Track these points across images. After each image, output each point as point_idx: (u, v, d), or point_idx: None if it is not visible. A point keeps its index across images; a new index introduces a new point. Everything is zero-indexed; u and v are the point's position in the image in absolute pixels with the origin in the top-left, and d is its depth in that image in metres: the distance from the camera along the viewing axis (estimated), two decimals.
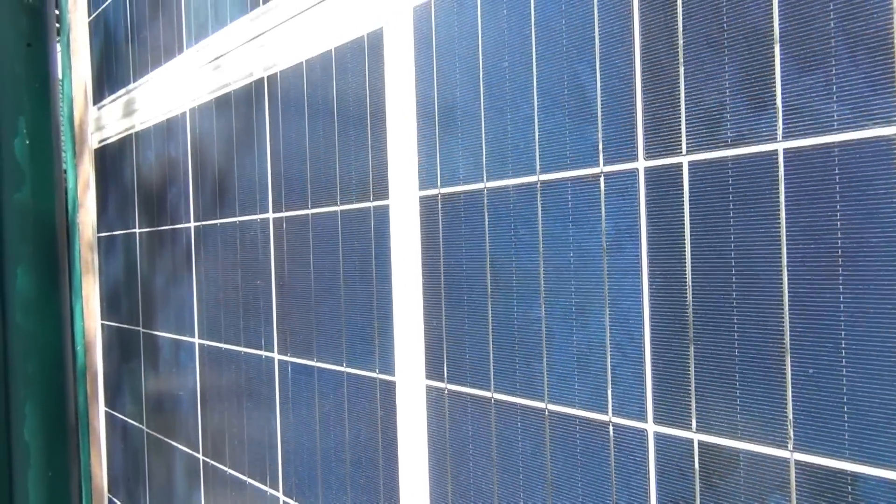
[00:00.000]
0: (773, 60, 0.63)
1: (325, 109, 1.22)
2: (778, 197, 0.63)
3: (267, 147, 1.37)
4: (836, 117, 0.59)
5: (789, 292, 0.63)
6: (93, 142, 2.27)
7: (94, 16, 2.20)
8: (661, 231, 0.72)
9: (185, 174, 1.67)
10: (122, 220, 2.06)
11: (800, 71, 0.62)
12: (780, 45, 0.63)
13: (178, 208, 1.72)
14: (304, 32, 1.26)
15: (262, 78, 1.38)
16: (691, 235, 0.70)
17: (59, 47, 2.48)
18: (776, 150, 0.63)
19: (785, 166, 0.63)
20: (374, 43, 1.10)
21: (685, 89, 0.70)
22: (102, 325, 2.27)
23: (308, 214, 1.26)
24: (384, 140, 1.09)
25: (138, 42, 1.89)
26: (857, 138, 0.58)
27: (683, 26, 0.70)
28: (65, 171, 2.54)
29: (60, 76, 2.52)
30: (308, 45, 1.25)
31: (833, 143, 0.60)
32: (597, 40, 0.78)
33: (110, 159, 2.12)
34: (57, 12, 2.48)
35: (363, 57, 1.13)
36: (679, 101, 0.70)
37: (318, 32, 1.23)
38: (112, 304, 2.17)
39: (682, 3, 0.70)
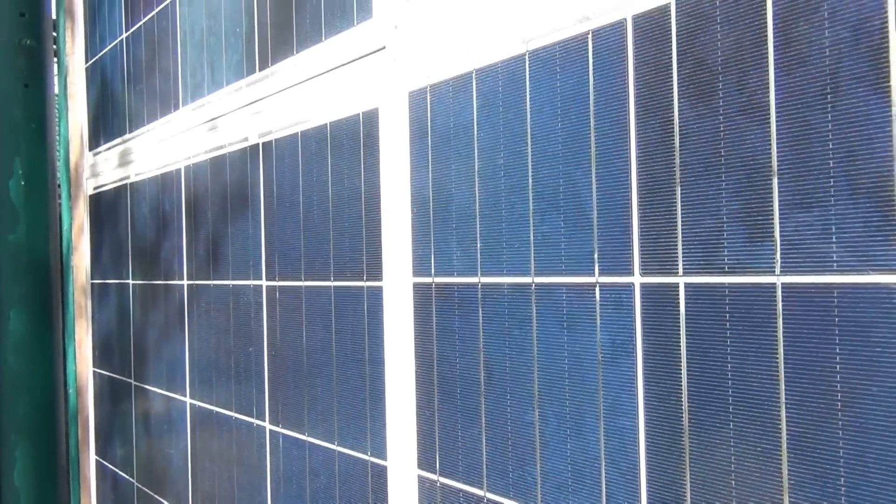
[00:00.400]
0: (772, 193, 0.62)
1: (319, 182, 1.21)
2: (776, 332, 0.62)
3: (261, 213, 1.36)
4: (835, 258, 0.58)
5: (787, 431, 0.61)
6: (88, 187, 2.26)
7: (91, 62, 2.20)
8: (658, 350, 0.71)
9: (180, 231, 1.66)
10: (115, 270, 2.04)
11: (798, 207, 0.60)
12: (779, 179, 0.62)
13: (171, 264, 1.70)
14: (299, 104, 1.25)
15: (258, 144, 1.37)
16: (688, 359, 0.69)
17: (56, 89, 2.48)
18: (774, 284, 0.62)
19: (783, 301, 0.61)
20: (370, 122, 1.09)
21: (682, 209, 0.69)
22: (94, 372, 2.25)
23: (301, 286, 1.25)
24: (378, 221, 1.08)
25: (134, 93, 1.88)
26: (857, 282, 0.57)
27: (680, 145, 0.69)
28: (59, 213, 2.53)
29: (57, 118, 2.52)
30: (303, 115, 1.24)
31: (833, 284, 0.58)
32: (593, 149, 0.77)
33: (105, 207, 2.11)
34: (55, 54, 2.48)
35: (358, 135, 1.12)
36: (675, 221, 0.69)
37: (313, 105, 1.22)
38: (104, 353, 2.15)
39: (679, 122, 0.69)
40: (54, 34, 2.47)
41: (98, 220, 2.18)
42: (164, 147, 1.72)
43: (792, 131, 0.61)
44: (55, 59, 2.45)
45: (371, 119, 1.09)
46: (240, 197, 1.43)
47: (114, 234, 2.05)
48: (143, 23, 1.82)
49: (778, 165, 0.62)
